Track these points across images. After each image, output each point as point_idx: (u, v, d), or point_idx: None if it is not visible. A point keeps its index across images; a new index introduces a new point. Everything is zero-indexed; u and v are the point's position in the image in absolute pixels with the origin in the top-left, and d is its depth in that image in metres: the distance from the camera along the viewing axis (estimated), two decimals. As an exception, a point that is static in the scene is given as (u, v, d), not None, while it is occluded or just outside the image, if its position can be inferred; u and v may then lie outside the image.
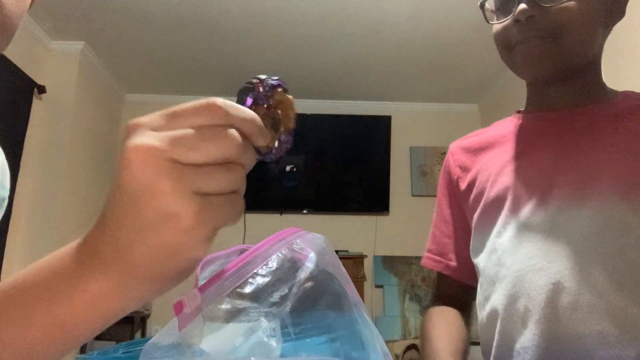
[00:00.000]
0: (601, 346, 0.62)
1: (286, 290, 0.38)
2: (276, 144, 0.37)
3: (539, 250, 0.70)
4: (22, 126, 3.04)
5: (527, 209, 0.73)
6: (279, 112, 0.38)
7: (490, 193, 0.78)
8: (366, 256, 3.82)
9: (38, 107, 3.20)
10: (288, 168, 4.06)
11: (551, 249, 0.69)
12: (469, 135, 0.92)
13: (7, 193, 0.62)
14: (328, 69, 3.71)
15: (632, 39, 2.14)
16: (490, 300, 0.76)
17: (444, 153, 0.98)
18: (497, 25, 0.77)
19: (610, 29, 0.77)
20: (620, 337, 0.62)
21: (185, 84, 3.98)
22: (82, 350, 3.35)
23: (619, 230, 0.66)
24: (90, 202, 3.53)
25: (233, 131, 0.32)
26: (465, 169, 0.87)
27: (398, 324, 3.79)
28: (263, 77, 0.37)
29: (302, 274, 0.39)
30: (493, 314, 0.74)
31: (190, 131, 0.30)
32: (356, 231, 4.06)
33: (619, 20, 0.76)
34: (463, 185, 0.86)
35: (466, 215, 0.87)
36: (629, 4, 0.77)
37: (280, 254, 0.40)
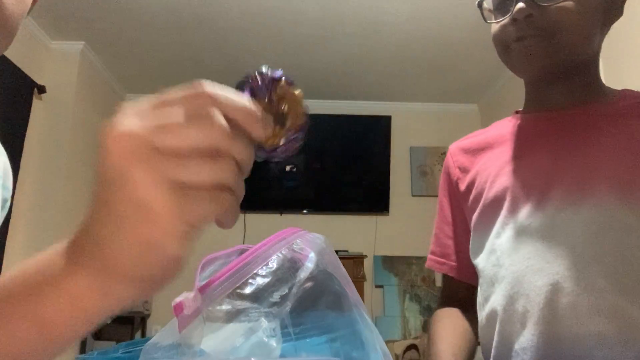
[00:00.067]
0: (600, 347, 0.62)
1: (286, 291, 0.38)
2: (282, 141, 0.34)
3: (538, 251, 0.70)
4: (22, 126, 3.04)
5: (525, 210, 0.73)
6: (284, 107, 0.35)
7: (489, 194, 0.79)
8: (366, 256, 3.82)
9: (38, 107, 3.20)
10: (288, 168, 4.06)
11: (550, 249, 0.69)
12: (468, 136, 0.92)
13: (9, 194, 0.62)
14: (328, 69, 3.71)
15: (632, 38, 2.14)
16: (489, 301, 0.76)
17: (444, 153, 0.98)
18: (495, 24, 0.77)
19: (608, 28, 0.77)
20: (619, 338, 0.62)
21: (185, 84, 3.97)
22: (82, 350, 3.36)
23: (618, 230, 0.66)
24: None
25: (218, 117, 0.29)
26: (464, 170, 0.87)
27: (398, 324, 3.78)
28: (264, 69, 0.35)
29: (302, 274, 0.39)
30: (492, 315, 0.74)
31: (172, 117, 0.28)
32: (356, 231, 4.06)
33: (617, 19, 0.76)
34: (463, 186, 0.86)
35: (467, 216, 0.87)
36: (629, 3, 0.77)
37: (280, 254, 0.40)
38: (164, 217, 0.28)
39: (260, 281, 0.38)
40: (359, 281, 3.60)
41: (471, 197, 0.83)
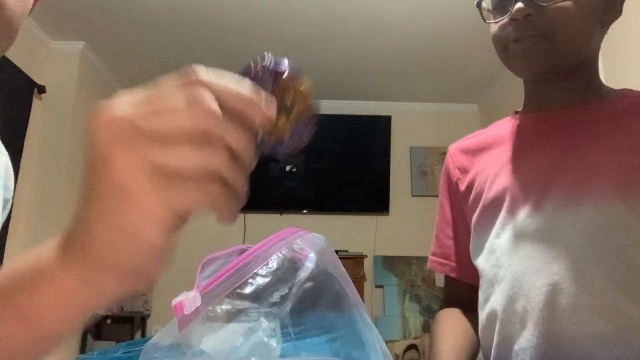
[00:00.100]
0: (599, 347, 0.62)
1: (286, 291, 0.38)
2: (288, 133, 0.32)
3: (537, 251, 0.70)
4: (22, 126, 3.04)
5: (524, 210, 0.73)
6: (289, 99, 0.33)
7: (489, 194, 0.78)
8: (366, 256, 3.82)
9: (38, 107, 3.20)
10: (288, 168, 4.06)
11: (549, 249, 0.69)
12: (468, 136, 0.92)
13: (11, 194, 0.62)
14: (328, 69, 3.71)
15: (632, 38, 2.14)
16: (489, 301, 0.76)
17: (444, 153, 0.98)
18: (494, 24, 0.77)
19: (607, 28, 0.77)
20: (619, 338, 0.62)
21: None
22: (82, 350, 3.36)
23: (617, 230, 0.66)
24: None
25: (209, 100, 0.27)
26: (464, 171, 0.87)
27: (398, 324, 3.78)
28: (267, 58, 0.33)
29: (302, 274, 0.39)
30: (492, 315, 0.74)
31: (162, 102, 0.27)
32: (356, 231, 4.06)
33: (616, 19, 0.76)
34: (462, 187, 0.86)
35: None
36: (629, 3, 0.77)
37: (280, 254, 0.40)
38: (143, 202, 0.27)
39: (260, 281, 0.38)
40: (359, 281, 3.60)
41: (471, 197, 0.83)
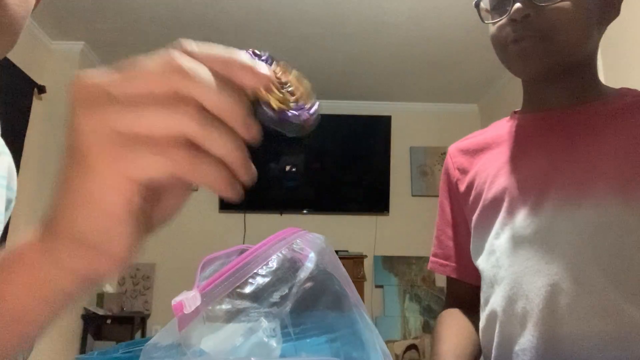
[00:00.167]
0: (599, 347, 0.62)
1: (286, 291, 0.38)
2: (292, 104, 0.30)
3: (537, 251, 0.70)
4: (22, 126, 3.04)
5: (524, 211, 0.73)
6: (288, 77, 0.31)
7: (488, 194, 0.78)
8: (366, 256, 3.82)
9: (38, 107, 3.20)
10: (288, 168, 4.06)
11: (548, 250, 0.69)
12: (468, 136, 0.92)
13: (14, 195, 0.62)
14: (328, 69, 3.71)
15: (632, 38, 2.14)
16: (489, 302, 0.76)
17: (444, 153, 0.98)
18: (492, 24, 0.77)
19: (605, 28, 0.77)
20: (618, 338, 0.62)
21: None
22: (82, 350, 3.36)
23: (617, 230, 0.66)
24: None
25: (183, 59, 0.25)
26: (463, 171, 0.87)
27: (398, 324, 3.79)
28: (262, 53, 0.31)
29: (302, 274, 0.39)
30: (492, 316, 0.74)
31: (137, 68, 0.25)
32: (356, 231, 4.06)
33: (614, 18, 0.77)
34: (462, 187, 0.86)
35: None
36: (628, 3, 0.77)
37: (280, 254, 0.40)
38: (101, 170, 0.25)
39: (260, 281, 0.38)
40: (359, 281, 3.60)
41: (471, 197, 0.83)
